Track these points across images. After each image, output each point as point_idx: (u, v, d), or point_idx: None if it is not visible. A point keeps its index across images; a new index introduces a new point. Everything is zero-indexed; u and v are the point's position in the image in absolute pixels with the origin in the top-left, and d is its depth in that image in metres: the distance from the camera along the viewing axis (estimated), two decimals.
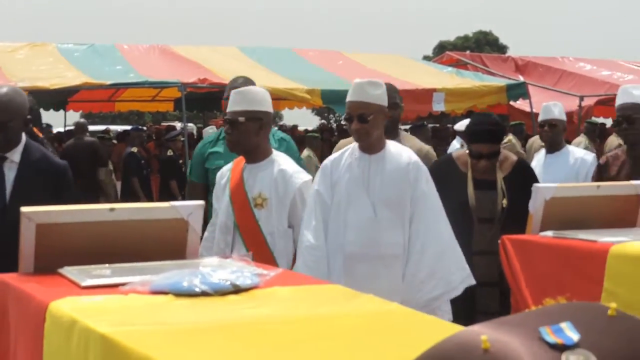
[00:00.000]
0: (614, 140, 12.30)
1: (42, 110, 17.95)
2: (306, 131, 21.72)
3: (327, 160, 4.88)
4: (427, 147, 5.85)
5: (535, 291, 3.88)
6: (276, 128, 9.35)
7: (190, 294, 2.41)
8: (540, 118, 7.12)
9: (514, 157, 5.68)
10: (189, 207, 3.13)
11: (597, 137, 14.75)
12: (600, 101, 17.19)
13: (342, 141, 5.94)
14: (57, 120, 21.76)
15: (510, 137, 14.30)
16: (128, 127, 20.53)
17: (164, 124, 29.84)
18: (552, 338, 1.16)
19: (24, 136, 4.59)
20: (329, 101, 13.14)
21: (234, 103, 4.80)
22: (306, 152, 12.85)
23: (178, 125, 23.47)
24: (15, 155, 4.50)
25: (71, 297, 2.44)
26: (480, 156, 5.32)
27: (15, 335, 2.68)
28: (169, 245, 3.08)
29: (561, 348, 1.15)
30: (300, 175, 4.82)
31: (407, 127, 13.44)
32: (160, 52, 16.34)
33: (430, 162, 5.62)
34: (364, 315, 2.32)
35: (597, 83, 18.23)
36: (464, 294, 4.96)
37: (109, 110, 23.84)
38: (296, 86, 13.51)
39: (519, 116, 16.59)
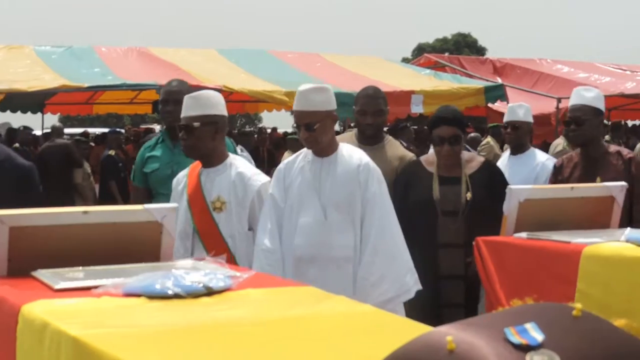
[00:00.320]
0: (559, 142, 12.38)
1: (19, 113, 17.97)
2: (285, 133, 21.75)
3: (281, 164, 4.94)
4: (411, 155, 5.86)
5: (510, 292, 3.90)
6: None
7: (163, 297, 2.41)
8: (504, 119, 7.11)
9: (482, 158, 5.75)
10: (162, 210, 3.13)
11: None
12: None
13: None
14: (35, 123, 21.68)
15: (488, 139, 14.35)
16: (107, 130, 20.48)
17: (143, 126, 29.81)
18: (516, 339, 1.17)
19: None
20: None
21: (188, 108, 4.77)
22: (287, 155, 12.87)
23: (157, 127, 23.44)
24: None
25: (44, 299, 2.43)
26: (442, 140, 5.34)
27: None
28: (143, 247, 3.08)
29: (525, 348, 1.16)
30: (259, 178, 4.84)
31: (385, 129, 13.43)
32: (138, 54, 16.30)
33: None
34: (336, 317, 2.33)
35: (574, 85, 18.03)
36: (429, 287, 5.01)
37: (87, 113, 23.80)
38: (275, 88, 13.50)
39: (497, 118, 16.63)
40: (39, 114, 19.97)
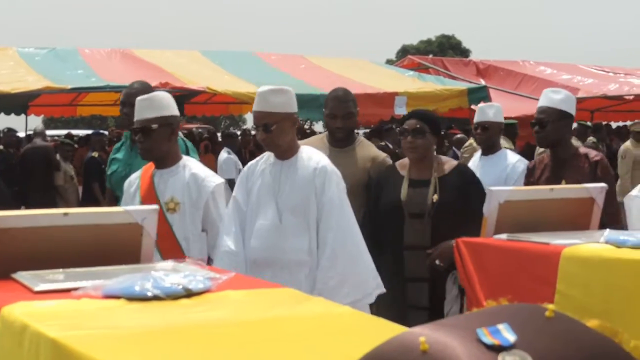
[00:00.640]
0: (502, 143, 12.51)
1: (3, 115, 17.89)
2: None
3: (246, 167, 4.92)
4: (384, 155, 5.84)
5: (490, 293, 3.90)
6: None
7: (143, 298, 2.41)
8: (474, 120, 7.07)
9: (455, 162, 5.70)
10: (142, 212, 3.14)
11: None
12: None
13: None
14: (19, 125, 21.59)
15: (471, 140, 14.35)
16: (90, 132, 20.43)
17: None
18: (489, 339, 1.17)
19: None
20: None
21: (144, 110, 4.74)
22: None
23: None
24: None
25: (23, 302, 2.43)
26: (406, 132, 5.31)
27: None
28: (124, 249, 3.08)
29: (498, 349, 1.16)
30: (213, 179, 4.84)
31: (366, 130, 13.44)
32: (122, 56, 16.28)
33: None
34: (315, 318, 2.34)
35: (557, 87, 18.27)
36: (395, 289, 5.01)
37: (71, 115, 23.74)
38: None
39: None
40: (23, 116, 19.89)
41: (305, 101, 11.52)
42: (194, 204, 4.75)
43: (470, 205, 5.01)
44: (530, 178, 5.61)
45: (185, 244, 4.72)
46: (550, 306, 1.31)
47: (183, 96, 16.93)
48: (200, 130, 28.00)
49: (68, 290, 2.57)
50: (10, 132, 16.53)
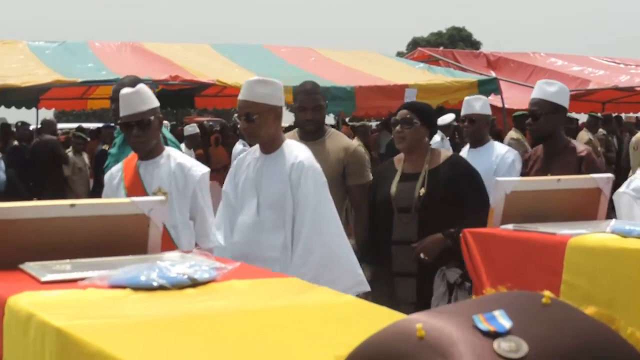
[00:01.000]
0: (512, 134, 12.49)
1: (14, 109, 17.95)
2: None
3: (236, 160, 4.95)
4: (355, 144, 5.87)
5: (496, 283, 3.87)
6: None
7: (148, 288, 2.43)
8: (461, 113, 7.06)
9: (449, 153, 5.70)
10: (149, 203, 3.16)
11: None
12: (571, 96, 17.24)
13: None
14: (30, 118, 21.66)
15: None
16: (101, 125, 20.46)
17: None
18: (484, 325, 1.18)
19: None
20: None
21: (137, 103, 4.75)
22: None
23: None
24: None
25: (30, 291, 2.45)
26: (395, 122, 5.31)
27: None
28: (130, 240, 3.10)
29: (493, 335, 1.17)
30: (199, 168, 4.87)
31: (377, 123, 13.39)
32: (132, 49, 16.27)
33: (359, 158, 5.73)
34: (319, 307, 2.35)
35: (568, 78, 18.29)
36: (384, 283, 5.00)
37: (82, 108, 23.72)
38: None
39: (492, 112, 16.64)
40: (34, 109, 19.95)
41: None
42: (181, 193, 4.78)
43: (461, 197, 5.01)
44: (525, 169, 5.63)
45: (174, 232, 4.72)
46: (547, 293, 1.32)
47: (193, 89, 16.95)
48: (211, 123, 28.01)
49: (74, 281, 2.58)
50: (24, 125, 16.57)
